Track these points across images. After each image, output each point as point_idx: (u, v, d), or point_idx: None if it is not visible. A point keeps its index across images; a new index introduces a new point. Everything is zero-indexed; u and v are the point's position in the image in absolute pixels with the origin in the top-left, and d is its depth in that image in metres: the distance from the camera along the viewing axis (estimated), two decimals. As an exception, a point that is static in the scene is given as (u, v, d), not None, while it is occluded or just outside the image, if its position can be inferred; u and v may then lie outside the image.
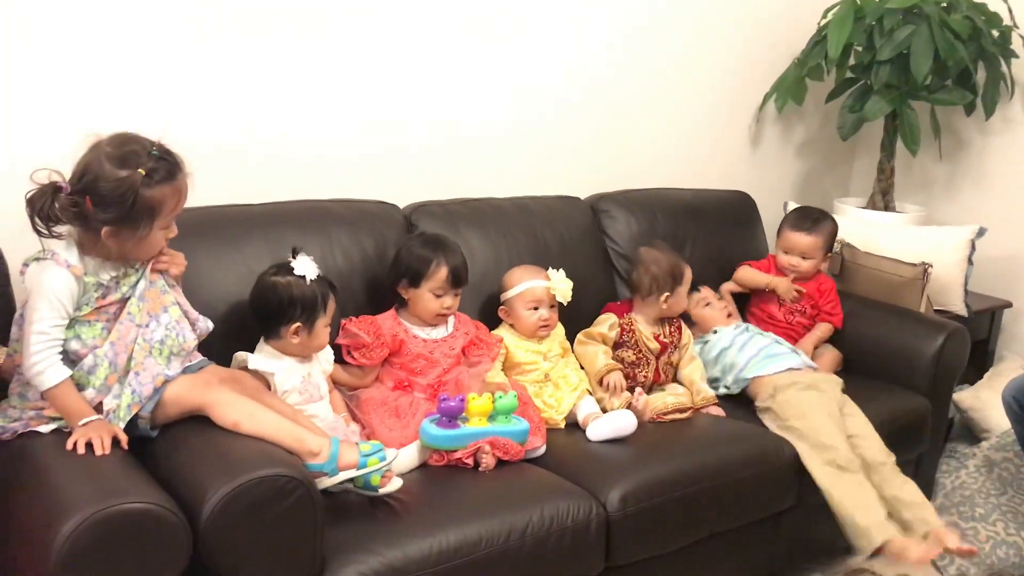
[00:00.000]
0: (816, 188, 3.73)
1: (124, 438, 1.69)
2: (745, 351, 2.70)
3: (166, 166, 1.72)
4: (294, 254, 2.07)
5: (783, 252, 2.97)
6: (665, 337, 2.65)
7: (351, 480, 1.80)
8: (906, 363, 2.80)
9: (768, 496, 2.38)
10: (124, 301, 1.81)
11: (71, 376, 1.73)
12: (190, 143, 1.79)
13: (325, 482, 1.78)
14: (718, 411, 2.56)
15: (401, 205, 2.59)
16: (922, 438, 2.79)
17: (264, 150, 2.49)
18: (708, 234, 3.09)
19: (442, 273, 2.28)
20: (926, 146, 3.35)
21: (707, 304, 2.89)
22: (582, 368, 2.56)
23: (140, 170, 1.68)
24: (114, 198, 1.67)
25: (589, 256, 2.80)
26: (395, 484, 1.87)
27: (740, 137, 3.51)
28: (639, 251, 2.71)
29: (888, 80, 3.18)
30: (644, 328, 2.63)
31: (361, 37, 2.59)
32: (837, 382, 2.64)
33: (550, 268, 2.56)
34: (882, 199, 3.46)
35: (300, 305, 2.01)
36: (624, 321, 2.63)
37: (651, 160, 3.26)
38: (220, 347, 2.06)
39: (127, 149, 1.70)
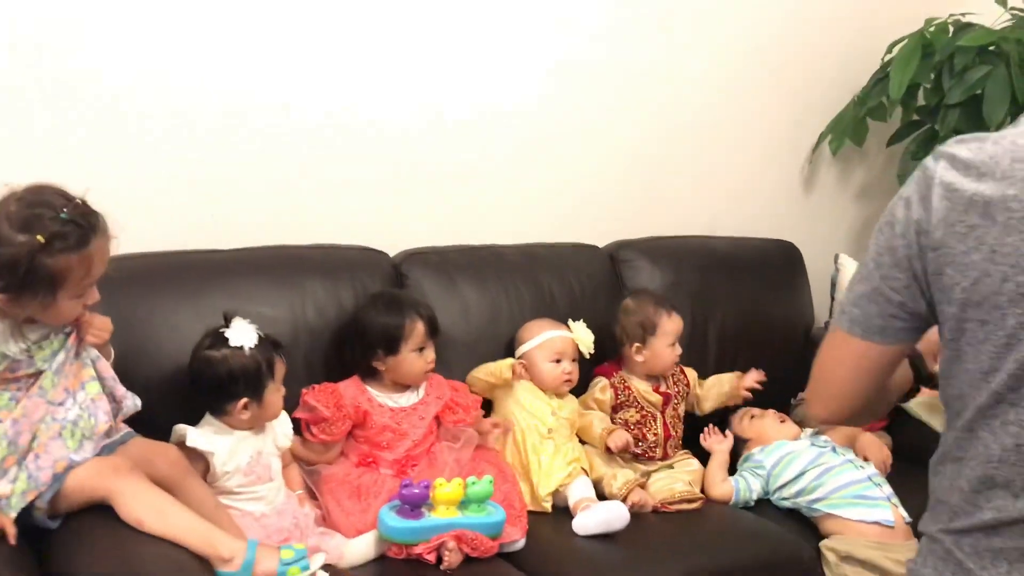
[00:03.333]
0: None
1: (12, 532, 1.50)
2: (829, 479, 2.21)
3: (76, 232, 1.52)
4: (227, 321, 1.87)
5: None
6: (667, 387, 2.41)
7: (271, 588, 1.58)
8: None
9: (778, 610, 2.08)
10: (38, 374, 1.62)
11: None
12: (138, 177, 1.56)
13: (238, 593, 1.57)
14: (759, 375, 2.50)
15: (391, 253, 2.36)
16: None
17: (233, 187, 2.28)
18: (742, 290, 2.79)
19: (419, 328, 2.09)
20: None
21: (752, 416, 2.49)
22: (583, 443, 2.31)
23: (39, 236, 1.49)
24: (7, 264, 1.49)
25: (602, 312, 2.51)
26: None
27: (790, 181, 3.18)
28: (623, 302, 2.45)
29: (957, 125, 2.82)
30: (639, 384, 2.39)
31: (350, 47, 2.37)
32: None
33: (569, 320, 2.36)
34: (947, 255, 3.10)
35: (242, 380, 1.82)
36: (615, 380, 2.39)
37: (686, 204, 2.96)
38: (168, 416, 1.87)
39: (31, 212, 1.51)
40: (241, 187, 2.28)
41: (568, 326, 2.35)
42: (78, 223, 1.53)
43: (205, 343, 1.86)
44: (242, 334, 1.83)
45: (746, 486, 2.29)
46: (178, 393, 1.92)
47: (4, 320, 1.58)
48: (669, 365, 2.41)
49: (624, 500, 2.15)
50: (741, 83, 2.97)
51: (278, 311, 2.09)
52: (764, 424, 2.45)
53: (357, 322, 2.12)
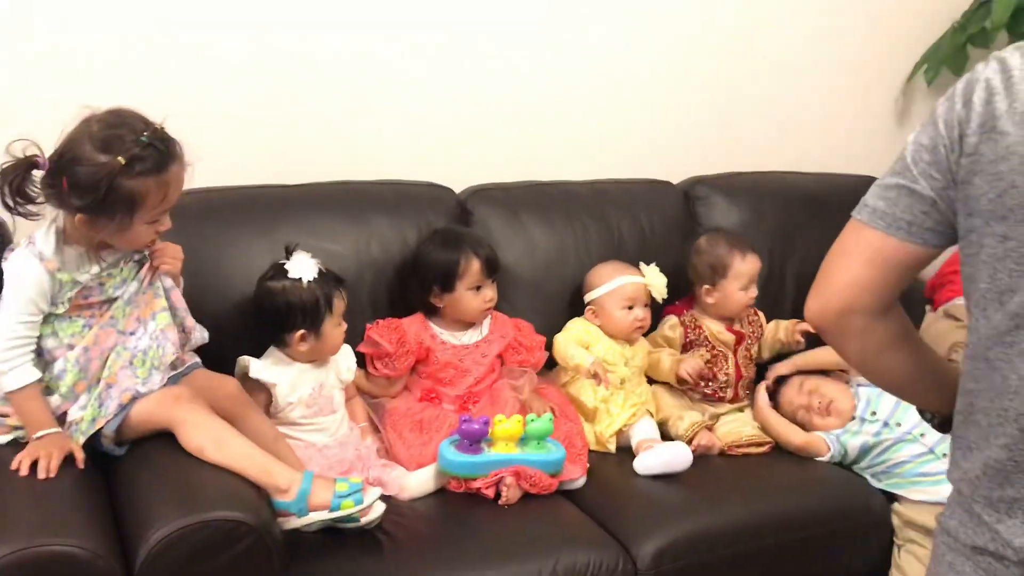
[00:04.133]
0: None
1: (80, 456, 1.57)
2: (887, 457, 2.11)
3: (154, 155, 1.54)
4: (288, 253, 1.88)
5: None
6: (740, 327, 2.35)
7: (323, 520, 1.61)
8: None
9: (844, 559, 2.03)
10: (110, 301, 1.67)
11: (39, 380, 1.61)
12: (211, 111, 1.56)
13: (293, 522, 1.60)
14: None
15: (457, 188, 2.34)
16: None
17: (300, 123, 2.28)
18: (826, 229, 2.62)
19: (475, 266, 2.06)
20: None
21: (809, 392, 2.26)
22: (651, 383, 2.29)
23: (120, 157, 1.51)
24: (88, 184, 1.51)
25: (675, 253, 2.43)
26: (377, 511, 1.68)
27: (882, 114, 3.02)
28: (697, 240, 2.37)
29: (1066, 52, 2.63)
30: (711, 323, 2.33)
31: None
32: None
33: (641, 263, 2.30)
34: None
35: (300, 312, 1.84)
36: (686, 319, 2.33)
37: (768, 139, 2.84)
38: (235, 348, 1.91)
39: (113, 132, 1.53)
40: (309, 122, 2.28)
41: (639, 269, 2.29)
42: (157, 147, 1.54)
43: (268, 274, 1.89)
44: (302, 266, 1.85)
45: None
46: (245, 326, 1.95)
47: (79, 245, 1.62)
48: (741, 308, 2.34)
49: (690, 442, 2.11)
50: (829, 10, 2.81)
51: (343, 246, 2.10)
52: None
53: (416, 257, 2.12)
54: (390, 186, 2.25)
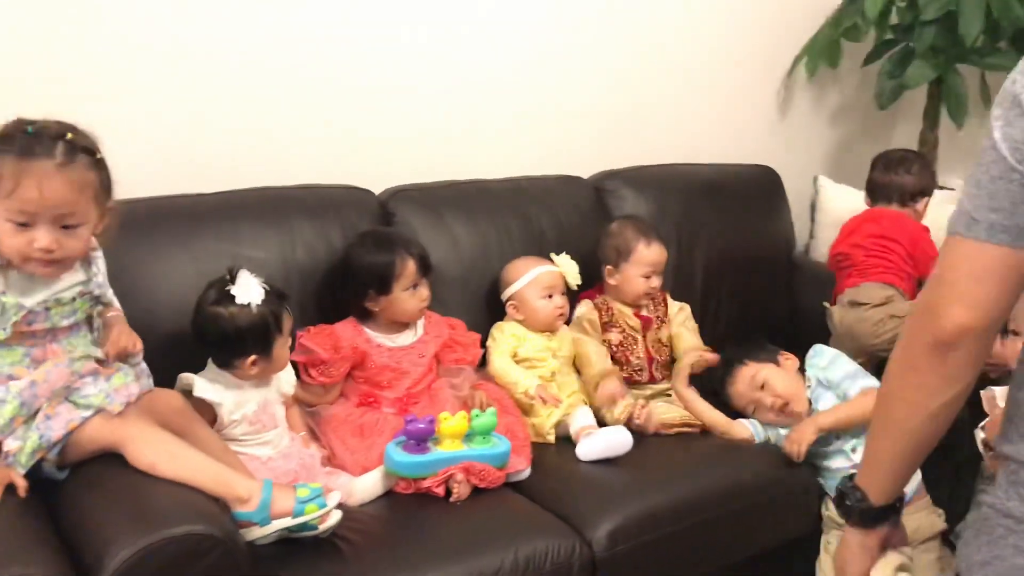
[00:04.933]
0: (850, 162, 3.39)
1: (22, 485, 1.47)
2: (826, 460, 2.16)
3: (24, 142, 1.43)
4: (232, 278, 1.79)
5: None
6: (647, 312, 2.42)
7: (286, 528, 1.57)
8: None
9: (782, 524, 2.11)
10: (54, 331, 1.56)
11: None
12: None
13: (255, 532, 1.55)
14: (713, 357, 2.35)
15: (376, 191, 2.32)
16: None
17: (217, 131, 2.22)
18: (726, 216, 2.79)
19: (410, 266, 2.05)
20: (974, 115, 3.00)
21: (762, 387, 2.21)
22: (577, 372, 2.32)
23: None
24: None
25: (590, 241, 2.49)
26: (334, 518, 1.64)
27: (766, 106, 3.18)
28: (610, 224, 2.45)
29: (933, 43, 2.84)
30: (621, 307, 2.40)
31: None
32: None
33: (551, 254, 2.34)
34: (924, 174, 3.12)
35: (250, 338, 1.77)
36: (599, 302, 2.39)
37: (665, 133, 2.95)
38: (163, 364, 1.81)
39: (11, 122, 1.45)
40: (218, 128, 2.22)
41: (551, 260, 2.33)
42: (37, 136, 1.44)
43: (210, 297, 1.79)
44: (249, 291, 1.76)
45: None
46: (173, 339, 1.87)
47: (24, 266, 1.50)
48: (639, 295, 2.37)
49: (628, 424, 2.15)
50: (716, 9, 2.94)
51: (268, 253, 2.05)
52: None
53: (347, 262, 2.08)
54: (310, 190, 2.21)
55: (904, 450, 1.14)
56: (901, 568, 1.31)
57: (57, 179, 1.44)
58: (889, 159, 2.72)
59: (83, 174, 1.48)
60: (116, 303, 1.74)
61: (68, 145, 1.46)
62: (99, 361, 1.61)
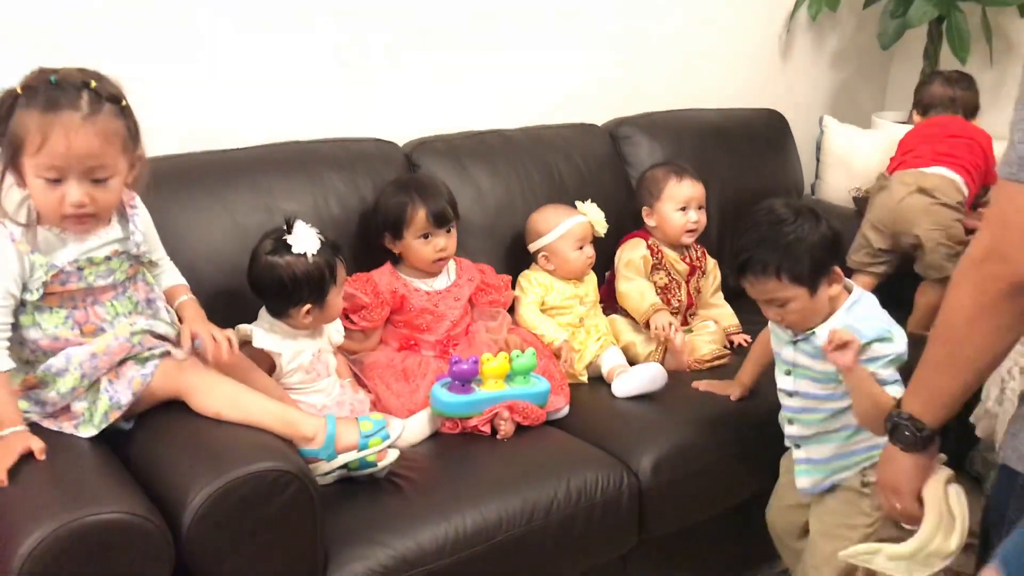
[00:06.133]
0: (852, 102, 3.44)
1: (39, 447, 1.40)
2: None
3: (48, 94, 1.39)
4: (289, 227, 1.81)
5: None
6: (691, 260, 2.45)
7: (351, 462, 1.61)
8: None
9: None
10: (92, 290, 1.54)
11: (9, 370, 1.47)
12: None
13: (322, 468, 1.59)
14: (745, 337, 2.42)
15: (400, 143, 2.34)
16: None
17: (240, 89, 2.22)
18: (736, 159, 2.83)
19: (420, 215, 2.05)
20: (975, 52, 3.05)
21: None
22: (617, 313, 2.37)
23: (19, 88, 1.41)
24: None
25: (609, 188, 2.54)
26: (392, 456, 1.68)
27: (769, 49, 3.21)
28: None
29: (935, -20, 2.88)
30: (669, 251, 2.42)
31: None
32: None
33: (576, 201, 2.35)
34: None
35: (307, 287, 1.78)
36: (651, 243, 2.41)
37: (671, 79, 2.97)
38: (208, 313, 1.84)
39: (33, 73, 1.43)
40: (243, 87, 2.23)
41: (577, 208, 2.33)
42: (60, 86, 1.41)
43: (267, 246, 1.80)
44: (305, 240, 1.78)
45: None
46: (216, 291, 1.89)
47: (53, 224, 1.49)
48: (678, 230, 2.38)
49: (662, 360, 2.20)
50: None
51: (302, 205, 2.06)
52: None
53: (375, 203, 2.12)
54: (339, 143, 2.23)
55: (969, 384, 1.23)
56: (949, 480, 1.38)
57: (84, 131, 1.41)
58: (947, 75, 2.77)
59: (110, 123, 1.44)
60: (171, 269, 1.73)
61: (93, 94, 1.42)
62: (159, 337, 1.60)
